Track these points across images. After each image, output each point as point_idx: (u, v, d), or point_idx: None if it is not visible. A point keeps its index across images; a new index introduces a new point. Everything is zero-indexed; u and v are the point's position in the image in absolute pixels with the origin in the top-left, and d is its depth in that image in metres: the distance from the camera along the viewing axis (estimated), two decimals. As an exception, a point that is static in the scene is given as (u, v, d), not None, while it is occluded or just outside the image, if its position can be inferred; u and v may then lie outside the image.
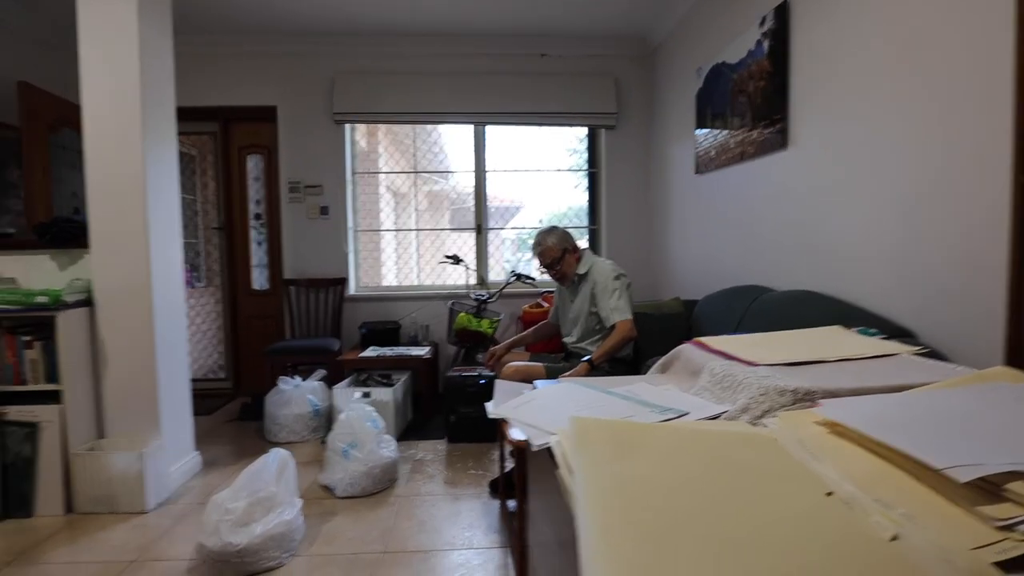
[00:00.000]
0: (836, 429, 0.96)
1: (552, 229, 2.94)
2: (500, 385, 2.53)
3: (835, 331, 1.72)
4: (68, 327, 2.63)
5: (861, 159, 2.26)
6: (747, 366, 1.36)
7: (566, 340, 3.02)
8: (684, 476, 0.89)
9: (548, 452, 1.15)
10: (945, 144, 1.85)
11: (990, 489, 0.70)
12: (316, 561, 2.24)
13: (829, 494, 0.79)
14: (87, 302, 2.77)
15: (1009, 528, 0.66)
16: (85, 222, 2.79)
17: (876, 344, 1.55)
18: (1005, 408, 0.95)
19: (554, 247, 2.88)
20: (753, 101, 3.01)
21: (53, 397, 2.63)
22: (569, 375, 2.52)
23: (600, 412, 1.30)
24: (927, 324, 1.93)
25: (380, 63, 4.62)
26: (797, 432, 1.00)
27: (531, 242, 2.99)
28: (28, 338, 2.62)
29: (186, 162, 4.70)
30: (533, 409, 1.45)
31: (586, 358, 2.65)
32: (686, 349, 1.64)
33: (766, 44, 2.85)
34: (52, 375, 2.63)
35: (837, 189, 2.41)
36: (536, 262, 2.98)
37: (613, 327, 2.71)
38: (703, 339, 1.65)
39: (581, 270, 2.90)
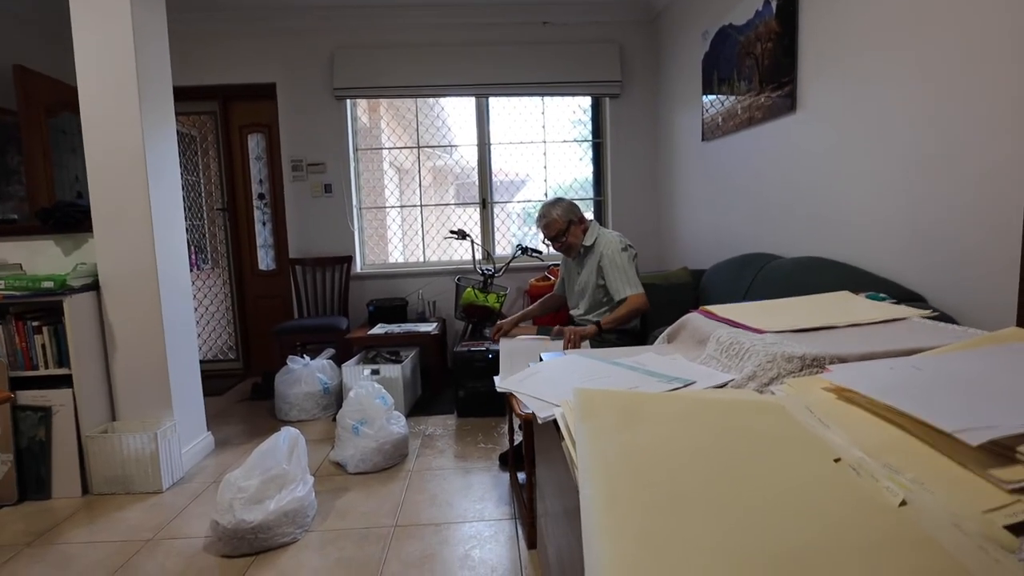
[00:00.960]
0: (845, 394, 0.95)
1: (557, 201, 2.90)
2: (504, 346, 2.54)
3: (843, 296, 1.69)
4: (76, 312, 2.65)
5: (871, 120, 2.21)
6: (754, 333, 1.34)
7: (573, 312, 3.00)
8: (690, 445, 0.88)
9: (555, 424, 1.14)
10: (957, 102, 1.80)
11: (1002, 452, 0.69)
12: (329, 536, 2.27)
13: (837, 460, 0.78)
14: (93, 286, 2.77)
15: (1022, 491, 0.64)
16: (88, 206, 2.78)
17: (885, 308, 1.53)
18: (1018, 370, 0.92)
19: (559, 219, 2.85)
20: (761, 64, 2.94)
21: (65, 381, 2.66)
22: (578, 330, 2.52)
23: (606, 383, 1.29)
24: (938, 287, 1.91)
25: (379, 36, 4.53)
26: (805, 398, 0.98)
27: (537, 215, 2.96)
28: (37, 323, 2.64)
29: (187, 143, 4.67)
30: (538, 381, 1.44)
31: (595, 319, 2.65)
32: (692, 318, 1.62)
33: (774, 3, 2.78)
34: (62, 360, 2.66)
35: (846, 152, 2.36)
36: (541, 235, 2.94)
37: (623, 300, 2.70)
38: (709, 307, 1.63)
39: (587, 242, 2.87)
